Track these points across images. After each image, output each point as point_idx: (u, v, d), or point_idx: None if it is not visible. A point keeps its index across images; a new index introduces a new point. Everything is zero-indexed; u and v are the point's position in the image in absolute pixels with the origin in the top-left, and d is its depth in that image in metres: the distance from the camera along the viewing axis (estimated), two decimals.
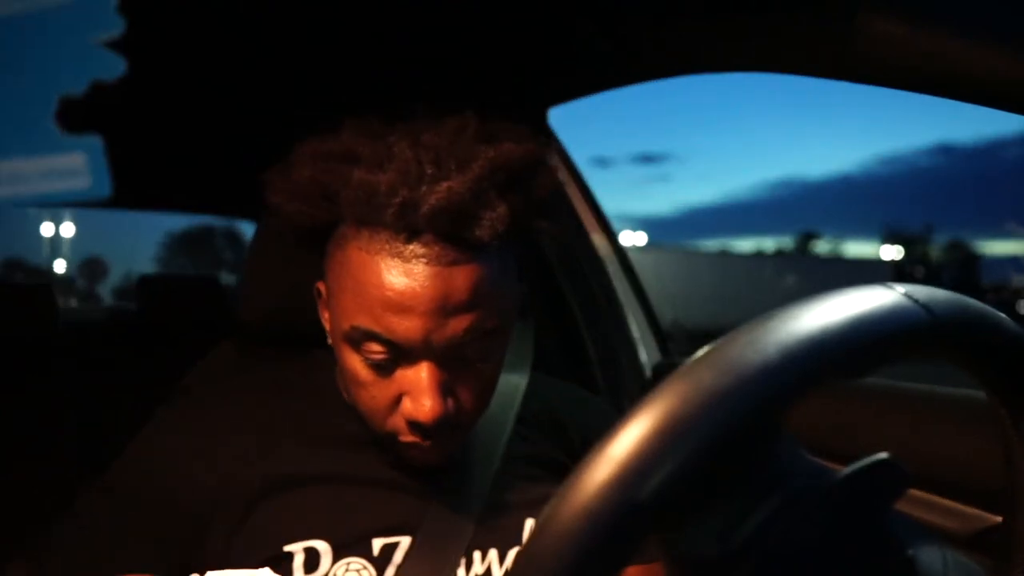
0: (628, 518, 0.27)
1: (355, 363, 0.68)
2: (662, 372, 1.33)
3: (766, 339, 0.29)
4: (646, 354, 1.33)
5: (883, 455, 0.32)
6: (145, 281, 1.80)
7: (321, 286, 0.73)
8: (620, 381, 1.33)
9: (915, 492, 0.82)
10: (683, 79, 1.07)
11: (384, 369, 0.67)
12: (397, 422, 0.68)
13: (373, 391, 0.68)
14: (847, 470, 0.32)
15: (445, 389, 0.66)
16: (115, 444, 0.75)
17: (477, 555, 0.74)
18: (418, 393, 0.65)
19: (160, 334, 1.51)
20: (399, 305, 0.63)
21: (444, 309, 0.64)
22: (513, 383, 0.85)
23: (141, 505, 0.72)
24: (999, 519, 0.72)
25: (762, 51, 0.87)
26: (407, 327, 0.64)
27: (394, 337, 0.64)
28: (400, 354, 0.65)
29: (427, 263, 0.63)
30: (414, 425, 0.67)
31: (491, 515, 0.74)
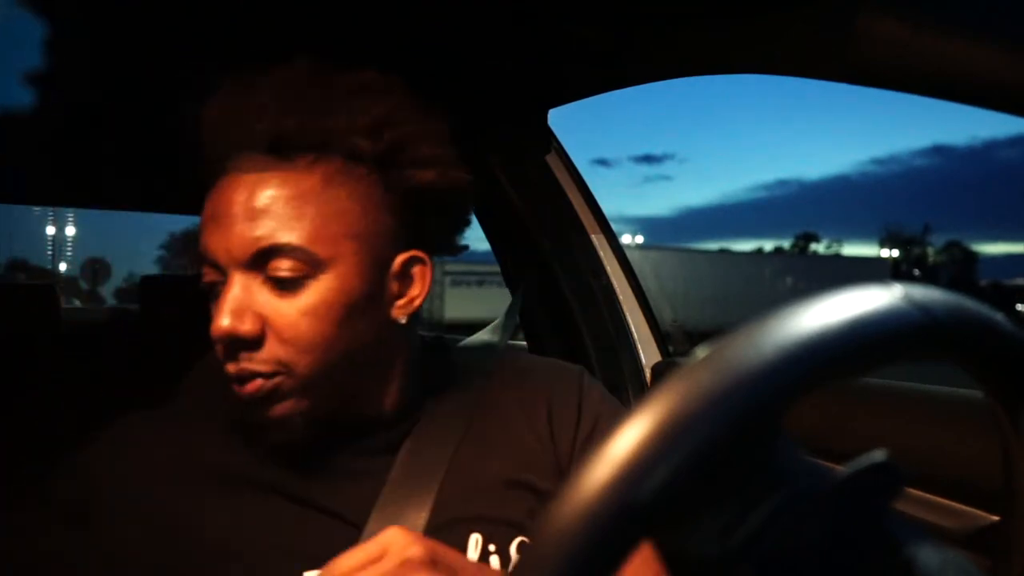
0: (627, 518, 0.27)
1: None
2: (661, 372, 1.33)
3: (765, 339, 0.30)
4: (645, 354, 1.33)
5: (880, 455, 0.33)
6: (147, 281, 1.80)
7: None
8: (619, 381, 1.33)
9: (913, 491, 0.82)
10: (682, 80, 1.07)
11: (215, 299, 0.67)
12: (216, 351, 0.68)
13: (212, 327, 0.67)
14: (845, 470, 0.32)
15: (242, 305, 0.66)
16: None
17: None
18: (219, 307, 0.66)
19: (161, 334, 1.51)
20: (212, 217, 0.67)
21: (244, 214, 0.65)
22: (469, 391, 0.81)
23: (104, 475, 0.69)
24: (997, 519, 0.72)
25: (764, 53, 0.87)
26: (215, 236, 0.66)
27: (207, 249, 0.67)
28: (220, 274, 0.67)
29: (237, 174, 0.67)
30: (216, 343, 0.66)
31: (435, 530, 0.70)
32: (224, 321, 0.65)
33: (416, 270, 0.73)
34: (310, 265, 0.66)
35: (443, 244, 0.78)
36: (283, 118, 0.66)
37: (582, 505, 0.28)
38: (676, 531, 0.33)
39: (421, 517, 0.70)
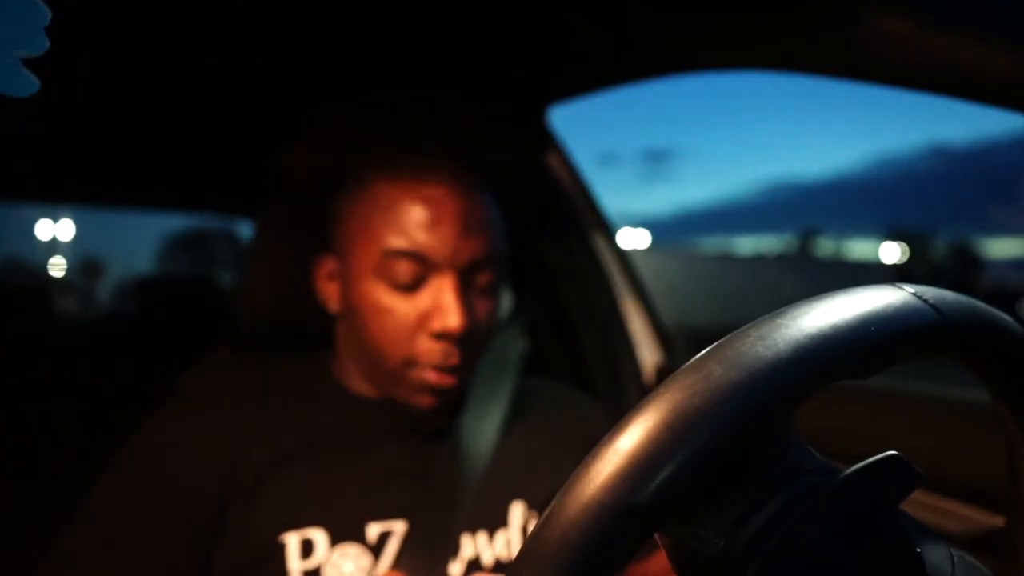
0: (636, 512, 0.27)
1: (380, 294, 0.72)
2: (666, 374, 1.32)
3: (776, 334, 0.29)
4: (649, 356, 1.33)
5: (892, 452, 0.32)
6: (143, 283, 1.80)
7: (325, 261, 0.77)
8: (620, 383, 1.32)
9: (918, 494, 0.82)
10: (683, 78, 1.07)
11: (410, 289, 0.71)
12: (420, 343, 0.72)
13: (398, 314, 0.71)
14: (857, 466, 0.32)
15: (467, 303, 0.71)
16: (114, 446, 0.75)
17: (467, 539, 0.75)
18: (447, 304, 0.70)
19: (158, 336, 1.51)
20: (430, 219, 0.71)
21: (467, 225, 0.71)
22: (505, 379, 0.88)
23: (158, 484, 0.72)
24: (1002, 521, 0.72)
25: (766, 50, 0.87)
26: (438, 239, 0.70)
27: (425, 250, 0.70)
28: (428, 269, 0.71)
29: (449, 185, 0.72)
30: (441, 337, 0.71)
31: (480, 499, 0.77)
32: (462, 317, 0.70)
33: None
34: (499, 283, 0.76)
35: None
36: (471, 144, 0.76)
37: (590, 496, 0.27)
38: (684, 526, 0.32)
39: (472, 483, 0.77)
